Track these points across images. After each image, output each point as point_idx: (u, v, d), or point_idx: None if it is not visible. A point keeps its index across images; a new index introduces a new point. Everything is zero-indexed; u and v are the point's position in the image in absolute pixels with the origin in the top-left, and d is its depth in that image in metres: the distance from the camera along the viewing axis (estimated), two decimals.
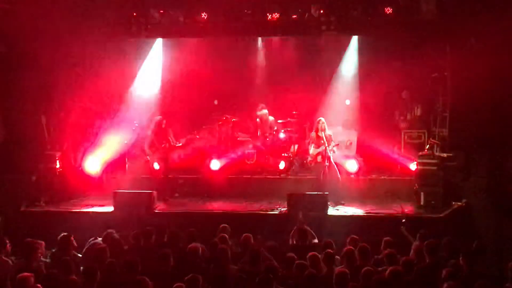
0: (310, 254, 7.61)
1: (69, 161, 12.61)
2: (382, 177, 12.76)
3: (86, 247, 8.60)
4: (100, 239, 8.68)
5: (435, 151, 11.92)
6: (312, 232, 9.24)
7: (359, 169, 12.50)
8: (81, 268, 7.39)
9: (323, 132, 11.50)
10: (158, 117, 12.49)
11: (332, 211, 10.93)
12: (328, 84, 13.91)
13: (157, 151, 12.19)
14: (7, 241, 8.29)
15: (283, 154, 13.18)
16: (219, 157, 12.99)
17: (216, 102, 14.44)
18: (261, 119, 13.36)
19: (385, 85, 13.03)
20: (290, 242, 9.13)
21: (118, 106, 13.44)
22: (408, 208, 11.28)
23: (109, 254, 7.76)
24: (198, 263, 7.60)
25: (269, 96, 13.92)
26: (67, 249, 8.17)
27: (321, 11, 11.87)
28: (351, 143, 13.11)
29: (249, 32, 12.91)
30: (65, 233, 8.39)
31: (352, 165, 12.42)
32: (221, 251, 7.81)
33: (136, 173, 12.74)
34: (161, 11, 12.31)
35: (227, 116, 13.72)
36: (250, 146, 13.32)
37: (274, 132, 13.27)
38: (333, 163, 11.42)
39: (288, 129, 13.45)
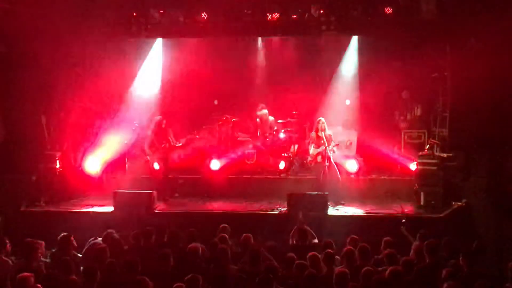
0: (310, 254, 7.61)
1: (69, 161, 12.62)
2: (382, 177, 12.76)
3: (86, 247, 8.60)
4: (100, 239, 8.68)
5: (435, 151, 11.92)
6: (312, 232, 9.24)
7: (359, 169, 12.51)
8: (81, 268, 7.39)
9: (323, 132, 11.50)
10: (158, 117, 12.49)
11: (332, 211, 10.93)
12: (328, 84, 13.90)
13: (157, 151, 12.18)
14: (7, 241, 8.29)
15: (283, 154, 13.18)
16: (219, 157, 13.00)
17: (216, 102, 14.43)
18: (261, 119, 13.37)
19: (385, 85, 13.02)
20: (290, 242, 9.13)
21: (118, 106, 13.44)
22: (408, 208, 11.28)
23: (109, 254, 7.76)
24: (198, 263, 7.60)
25: (269, 96, 13.92)
26: (67, 249, 8.17)
27: (321, 11, 11.86)
28: (351, 143, 13.11)
29: (249, 32, 12.91)
30: (65, 233, 8.39)
31: (352, 165, 12.42)
32: (221, 251, 7.81)
33: (136, 173, 12.74)
34: (161, 11, 12.31)
35: (227, 116, 13.71)
36: (250, 146, 13.32)
37: (274, 132, 13.27)
38: (333, 163, 11.42)
39: (288, 129, 13.45)
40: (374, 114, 13.45)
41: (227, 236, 8.68)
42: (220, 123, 13.69)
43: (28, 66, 12.02)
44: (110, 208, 11.14)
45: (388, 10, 11.78)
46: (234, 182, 12.74)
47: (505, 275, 7.00)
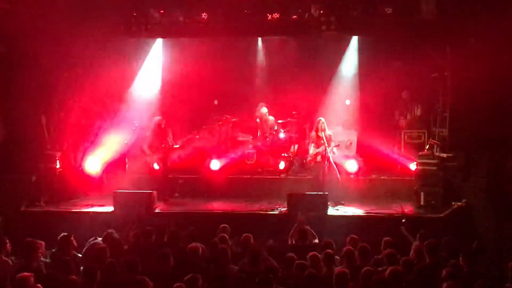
0: (310, 254, 7.61)
1: (69, 161, 12.62)
2: (382, 177, 12.76)
3: (86, 247, 8.60)
4: (100, 239, 8.68)
5: (435, 151, 11.92)
6: (313, 232, 9.25)
7: (359, 169, 12.52)
8: (81, 268, 7.38)
9: (323, 132, 11.50)
10: (158, 117, 12.49)
11: (332, 211, 10.93)
12: (328, 84, 13.91)
13: (156, 151, 12.18)
14: (7, 241, 8.29)
15: (283, 154, 13.19)
16: (219, 157, 13.01)
17: (216, 102, 14.43)
18: (260, 119, 13.39)
19: (385, 85, 13.02)
20: (290, 242, 9.14)
21: (118, 106, 13.44)
22: (408, 208, 11.28)
23: (109, 254, 7.75)
24: (198, 263, 7.60)
25: (269, 96, 13.93)
26: (67, 249, 8.16)
27: (321, 11, 11.85)
28: (351, 143, 13.12)
29: (249, 32, 12.91)
30: (65, 233, 8.38)
31: (352, 165, 12.43)
32: (221, 251, 7.81)
33: (136, 173, 12.74)
34: (161, 11, 12.29)
35: (227, 116, 13.72)
36: (250, 146, 13.33)
37: (274, 132, 13.28)
38: (333, 163, 11.42)
39: (288, 129, 13.45)
40: (374, 114, 13.46)
41: (227, 236, 8.68)
42: (220, 123, 13.70)
43: (28, 66, 12.02)
44: (110, 208, 11.14)
45: (388, 10, 11.76)
46: (234, 182, 12.75)
47: (505, 275, 7.00)
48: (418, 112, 13.47)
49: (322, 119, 11.72)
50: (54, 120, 12.59)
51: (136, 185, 11.91)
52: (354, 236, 8.48)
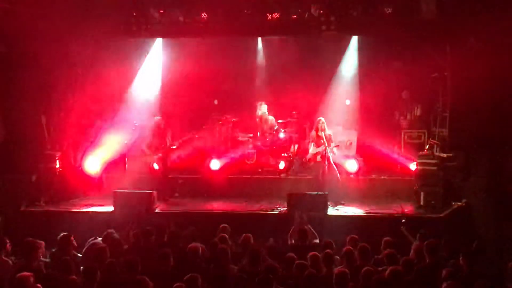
0: (310, 254, 7.61)
1: (69, 161, 12.62)
2: (382, 177, 12.76)
3: (86, 247, 8.59)
4: (100, 239, 8.68)
5: (435, 151, 11.92)
6: (314, 231, 9.25)
7: (359, 169, 12.53)
8: (81, 268, 7.38)
9: (323, 132, 11.50)
10: (157, 118, 12.51)
11: (332, 211, 10.93)
12: (328, 84, 13.90)
13: (156, 151, 12.19)
14: (7, 241, 8.28)
15: (283, 154, 13.19)
16: (219, 157, 13.01)
17: (216, 102, 14.43)
18: (260, 119, 13.38)
19: (385, 85, 13.03)
20: (289, 242, 9.13)
21: (118, 106, 13.44)
22: (408, 208, 11.28)
23: (109, 254, 7.75)
24: (198, 263, 7.60)
25: (269, 96, 13.92)
26: (67, 249, 8.16)
27: (321, 11, 11.85)
28: (351, 143, 13.12)
29: (249, 32, 12.90)
30: (65, 233, 8.38)
31: (352, 165, 12.44)
32: (221, 251, 7.81)
33: (136, 173, 12.73)
34: (161, 11, 12.29)
35: (227, 116, 13.72)
36: (250, 146, 13.33)
37: (274, 132, 13.28)
38: (333, 163, 11.42)
39: (288, 129, 13.45)
40: (374, 114, 13.45)
41: (227, 236, 8.68)
42: (220, 123, 13.70)
43: (28, 66, 12.02)
44: (110, 208, 11.14)
45: (388, 10, 11.76)
46: (234, 182, 12.75)
47: (505, 275, 7.00)
48: (418, 112, 13.47)
49: (322, 119, 11.73)
50: (54, 120, 12.59)
51: (136, 185, 11.90)
52: (354, 236, 8.48)
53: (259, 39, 14.24)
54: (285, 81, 13.85)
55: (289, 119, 13.59)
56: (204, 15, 12.18)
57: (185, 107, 13.96)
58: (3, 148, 12.28)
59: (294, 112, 13.68)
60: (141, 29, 12.22)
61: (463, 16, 11.22)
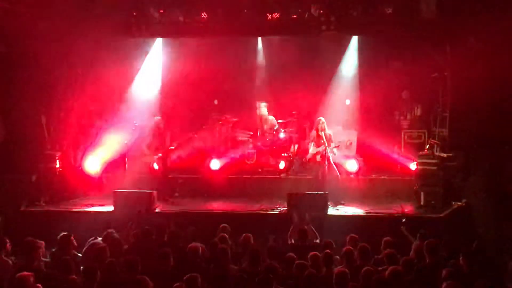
0: (311, 254, 7.61)
1: (69, 161, 12.63)
2: (382, 177, 12.77)
3: (86, 246, 8.59)
4: (100, 238, 8.68)
5: (435, 151, 11.92)
6: (315, 231, 9.25)
7: (359, 169, 12.53)
8: (81, 267, 7.38)
9: (323, 132, 11.51)
10: (157, 118, 12.52)
11: (332, 211, 10.93)
12: (328, 84, 13.90)
13: (156, 152, 12.19)
14: (7, 241, 8.28)
15: (283, 154, 13.19)
16: (219, 157, 13.01)
17: (216, 102, 14.43)
18: (260, 119, 13.39)
19: (385, 85, 13.02)
20: (289, 242, 9.14)
21: (118, 106, 13.45)
22: (408, 208, 11.29)
23: (109, 254, 7.75)
24: (198, 263, 7.59)
25: (269, 96, 13.93)
26: (67, 248, 8.15)
27: (321, 11, 11.85)
28: (351, 143, 13.12)
29: (249, 32, 12.90)
30: (65, 233, 8.37)
31: (352, 165, 12.45)
32: (221, 251, 7.80)
33: (136, 173, 12.73)
34: (161, 11, 12.30)
35: (227, 116, 13.72)
36: (250, 146, 13.33)
37: (274, 132, 13.28)
38: (333, 163, 11.42)
39: (288, 129, 13.45)
40: (374, 114, 13.46)
41: (227, 236, 8.67)
42: (220, 123, 13.70)
43: (28, 66, 12.02)
44: (110, 208, 11.14)
45: (388, 10, 11.76)
46: (234, 182, 12.76)
47: (505, 275, 7.00)
48: (418, 112, 13.48)
49: (322, 119, 11.73)
50: (54, 120, 12.59)
51: (136, 185, 11.89)
52: (354, 235, 8.48)
53: (259, 39, 14.23)
54: (285, 81, 13.85)
55: (289, 119, 13.59)
56: (204, 15, 12.19)
57: (185, 107, 13.96)
58: (3, 148, 12.27)
59: (294, 112, 13.68)
60: (141, 29, 12.23)
61: (463, 16, 11.22)
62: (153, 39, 13.44)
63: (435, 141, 12.12)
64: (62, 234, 8.35)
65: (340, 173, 11.69)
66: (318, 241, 9.05)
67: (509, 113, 11.25)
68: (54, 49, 12.13)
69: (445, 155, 11.77)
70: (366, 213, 10.96)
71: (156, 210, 11.16)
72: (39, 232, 9.04)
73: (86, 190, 12.58)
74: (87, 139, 12.93)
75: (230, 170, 12.98)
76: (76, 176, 12.53)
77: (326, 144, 11.34)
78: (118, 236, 8.81)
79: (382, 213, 10.92)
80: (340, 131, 13.15)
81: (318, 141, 11.58)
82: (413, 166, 12.16)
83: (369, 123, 13.24)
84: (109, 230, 8.82)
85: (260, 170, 13.20)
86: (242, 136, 13.61)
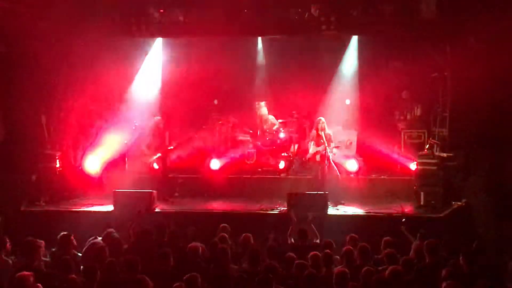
0: (311, 253, 7.61)
1: (69, 161, 12.63)
2: (382, 177, 12.78)
3: (86, 246, 8.58)
4: (100, 238, 8.68)
5: (435, 151, 11.93)
6: (316, 231, 9.24)
7: (359, 169, 12.54)
8: (81, 267, 7.38)
9: (323, 132, 11.51)
10: (157, 118, 12.53)
11: (332, 210, 10.93)
12: (328, 84, 13.90)
13: (155, 151, 12.19)
14: (7, 241, 8.28)
15: (283, 154, 13.19)
16: (219, 157, 13.01)
17: (216, 102, 14.43)
18: (260, 119, 13.39)
19: (385, 85, 13.04)
20: (289, 242, 9.14)
21: (118, 106, 13.45)
22: (408, 208, 11.29)
23: (109, 254, 7.75)
24: (198, 263, 7.59)
25: (269, 96, 13.93)
26: (67, 248, 8.15)
27: (321, 11, 11.84)
28: (351, 143, 13.12)
29: (249, 32, 12.90)
30: (65, 232, 8.37)
31: (352, 165, 12.46)
32: (221, 251, 7.80)
33: (136, 173, 12.74)
34: (161, 11, 12.30)
35: (227, 116, 13.72)
36: (250, 146, 13.33)
37: (274, 132, 13.28)
38: (333, 163, 11.43)
39: (288, 128, 13.45)
40: (374, 114, 13.46)
41: (227, 236, 8.67)
42: (220, 122, 13.70)
43: (28, 66, 12.01)
44: (110, 208, 11.14)
45: (388, 10, 11.76)
46: (234, 182, 12.76)
47: (505, 275, 7.00)
48: (418, 112, 13.47)
49: (322, 119, 11.74)
50: (54, 120, 12.59)
51: (136, 185, 11.89)
52: (354, 235, 8.48)
53: (259, 39, 14.22)
54: (285, 81, 13.84)
55: (289, 119, 13.59)
56: (204, 15, 12.18)
57: (185, 107, 13.95)
58: (3, 148, 12.26)
59: (294, 112, 13.68)
60: (141, 29, 12.21)
61: (463, 16, 11.22)
62: (153, 39, 13.42)
63: (435, 141, 12.12)
64: (62, 233, 8.35)
65: (340, 173, 11.70)
66: (318, 241, 9.05)
67: (509, 113, 11.25)
68: (54, 49, 12.14)
69: (445, 155, 11.77)
70: (366, 213, 10.96)
71: (156, 210, 11.16)
72: (39, 231, 9.04)
73: (86, 190, 12.57)
74: (87, 139, 12.94)
75: (230, 170, 12.98)
76: (76, 176, 12.53)
77: (326, 144, 11.34)
78: (118, 236, 8.81)
79: (382, 213, 10.92)
80: (340, 131, 13.15)
81: (318, 141, 11.59)
82: (413, 166, 12.17)
83: (369, 123, 13.24)
84: (109, 230, 8.83)
85: (260, 170, 13.20)
86: (242, 136, 13.61)
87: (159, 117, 12.55)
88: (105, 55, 12.83)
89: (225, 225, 9.19)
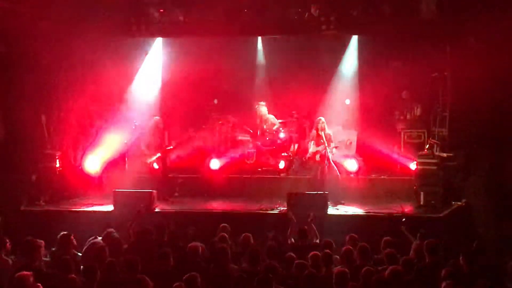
0: (311, 253, 7.61)
1: (69, 161, 12.64)
2: (382, 177, 12.79)
3: (86, 246, 8.58)
4: (100, 238, 8.68)
5: (435, 151, 11.93)
6: (316, 231, 9.25)
7: (359, 169, 12.54)
8: (81, 267, 7.38)
9: (323, 132, 11.52)
10: (156, 118, 12.53)
11: (332, 210, 10.93)
12: (328, 84, 13.90)
13: (155, 151, 12.20)
14: (7, 240, 8.28)
15: (283, 154, 13.19)
16: (219, 157, 13.01)
17: (216, 101, 14.43)
18: (260, 119, 13.39)
19: (385, 85, 13.03)
20: (289, 242, 9.14)
21: (118, 106, 13.45)
22: (408, 208, 11.28)
23: (109, 253, 7.75)
24: (198, 263, 7.59)
25: (269, 96, 13.93)
26: (67, 248, 8.15)
27: (321, 11, 11.85)
28: (351, 143, 13.12)
29: (249, 32, 12.91)
30: (65, 232, 8.36)
31: (352, 165, 12.45)
32: (221, 250, 7.80)
33: (136, 173, 12.74)
34: (161, 11, 12.31)
35: (227, 116, 13.72)
36: (250, 145, 13.33)
37: (274, 132, 13.28)
38: (332, 163, 11.43)
39: (288, 128, 13.45)
40: (374, 114, 13.46)
41: (227, 236, 8.67)
42: (220, 122, 13.70)
43: (28, 66, 12.01)
44: (110, 207, 11.15)
45: (388, 10, 11.76)
46: (234, 181, 12.76)
47: (505, 275, 7.00)
48: (418, 112, 13.47)
49: (322, 119, 11.74)
50: (54, 120, 12.59)
51: (136, 185, 11.90)
52: (354, 235, 8.48)
53: (259, 39, 14.23)
54: (285, 81, 13.85)
55: (289, 118, 13.59)
56: (204, 15, 12.18)
57: (185, 107, 13.96)
58: (3, 148, 12.26)
59: (294, 112, 13.68)
60: (141, 29, 12.23)
61: (463, 16, 11.22)
62: (153, 39, 13.44)
63: (435, 141, 12.12)
64: (62, 233, 8.34)
65: (340, 173, 11.70)
66: (318, 240, 9.04)
67: (509, 113, 11.25)
68: (54, 49, 12.14)
69: (445, 155, 11.77)
70: (366, 213, 10.96)
71: (156, 210, 11.16)
72: (39, 231, 9.04)
73: (86, 189, 12.58)
74: (87, 139, 12.94)
75: (230, 170, 12.98)
76: (76, 175, 12.54)
77: (326, 144, 11.34)
78: (118, 236, 8.81)
79: (382, 213, 10.91)
80: (340, 131, 13.15)
81: (318, 141, 11.59)
82: (413, 166, 12.17)
83: (369, 123, 13.24)
84: (109, 230, 8.83)
85: (260, 169, 13.20)
86: (242, 136, 13.61)
87: (158, 117, 12.54)
88: (105, 55, 12.84)
89: (225, 225, 9.19)
